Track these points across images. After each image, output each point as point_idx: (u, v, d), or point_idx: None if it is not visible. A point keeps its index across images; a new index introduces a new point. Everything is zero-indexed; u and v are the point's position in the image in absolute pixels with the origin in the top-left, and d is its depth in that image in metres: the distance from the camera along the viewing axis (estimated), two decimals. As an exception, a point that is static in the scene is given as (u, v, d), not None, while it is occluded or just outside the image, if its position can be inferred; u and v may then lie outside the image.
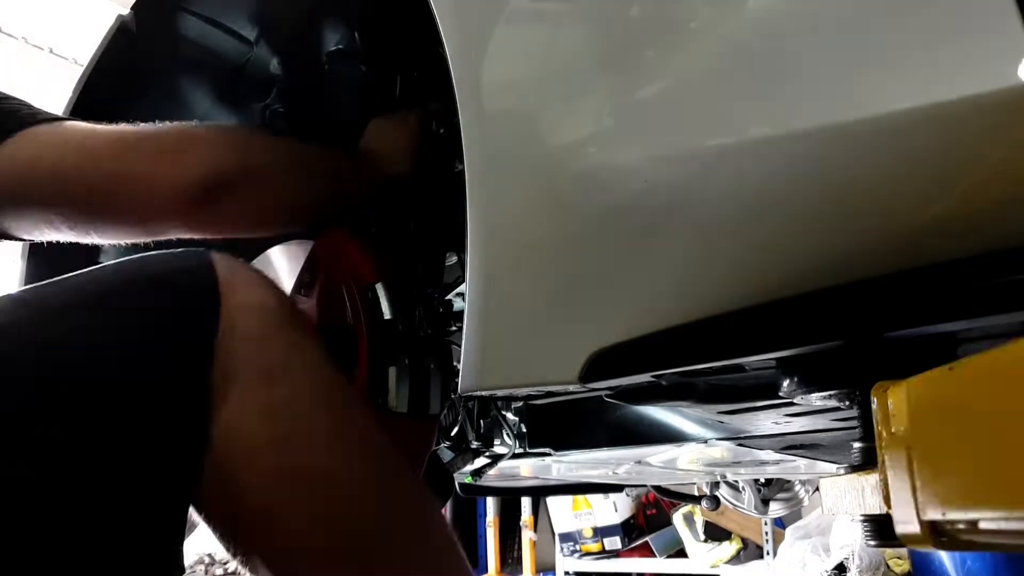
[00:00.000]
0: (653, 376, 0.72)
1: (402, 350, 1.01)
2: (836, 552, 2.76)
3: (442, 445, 1.29)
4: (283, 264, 1.22)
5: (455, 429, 1.29)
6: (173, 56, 1.13)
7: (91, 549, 0.59)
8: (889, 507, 0.53)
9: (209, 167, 0.82)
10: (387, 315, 1.01)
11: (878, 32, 0.53)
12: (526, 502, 3.95)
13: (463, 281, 1.18)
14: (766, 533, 3.26)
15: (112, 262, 0.72)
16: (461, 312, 1.20)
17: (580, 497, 3.71)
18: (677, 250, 0.64)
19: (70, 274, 0.69)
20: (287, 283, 1.13)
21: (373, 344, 1.00)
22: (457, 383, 1.05)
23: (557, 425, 1.33)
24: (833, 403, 0.68)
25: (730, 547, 3.39)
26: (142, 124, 0.84)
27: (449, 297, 1.20)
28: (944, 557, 2.49)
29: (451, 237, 1.14)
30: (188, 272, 0.71)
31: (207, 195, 0.82)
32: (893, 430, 0.53)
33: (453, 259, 1.18)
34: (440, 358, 1.05)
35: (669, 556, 3.61)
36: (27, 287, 0.70)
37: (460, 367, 0.76)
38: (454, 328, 1.16)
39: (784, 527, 3.08)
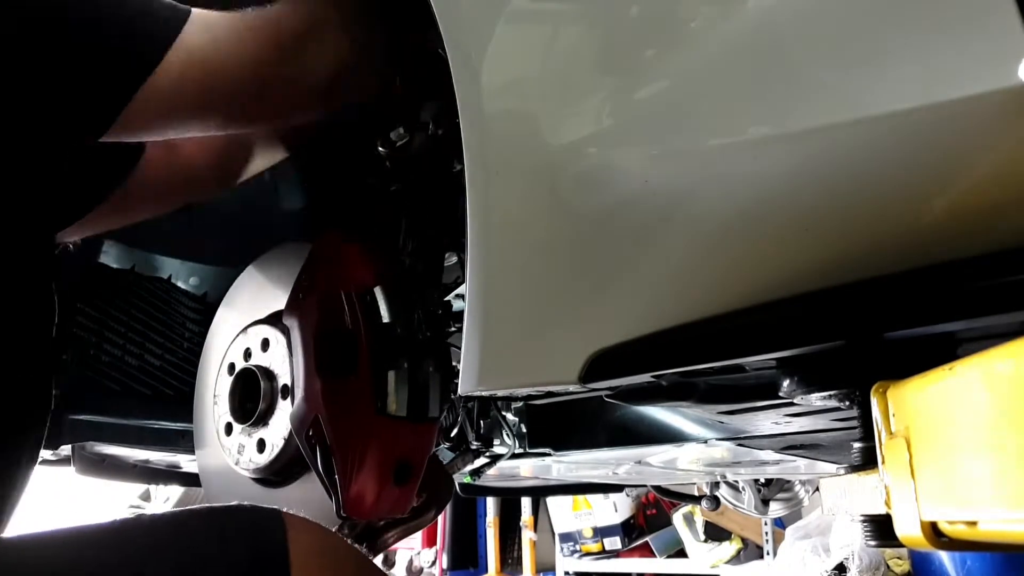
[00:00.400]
0: (653, 376, 0.72)
1: (401, 353, 1.01)
2: (836, 552, 2.76)
3: (442, 446, 1.29)
4: (278, 271, 1.22)
5: (455, 430, 1.29)
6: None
7: None
8: (889, 507, 0.53)
9: (334, 63, 0.91)
10: (386, 318, 1.01)
11: (878, 32, 0.53)
12: (526, 502, 3.95)
13: (463, 281, 1.18)
14: (766, 533, 3.26)
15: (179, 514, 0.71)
16: (461, 313, 1.20)
17: (580, 497, 3.72)
18: (677, 250, 0.64)
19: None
20: (284, 289, 1.13)
21: (372, 348, 1.00)
22: (457, 385, 1.05)
23: (557, 425, 1.33)
24: (833, 403, 0.68)
25: (730, 547, 3.39)
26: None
27: (448, 298, 1.20)
28: (944, 557, 2.49)
29: (451, 237, 1.14)
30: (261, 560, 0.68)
31: (337, 87, 0.93)
32: (893, 430, 0.53)
33: (453, 259, 1.18)
34: (439, 360, 1.05)
35: (669, 556, 3.62)
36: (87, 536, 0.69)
37: (460, 368, 0.76)
38: (454, 329, 1.16)
39: (784, 527, 3.08)
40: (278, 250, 1.25)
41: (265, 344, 1.12)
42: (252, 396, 1.11)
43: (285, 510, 0.72)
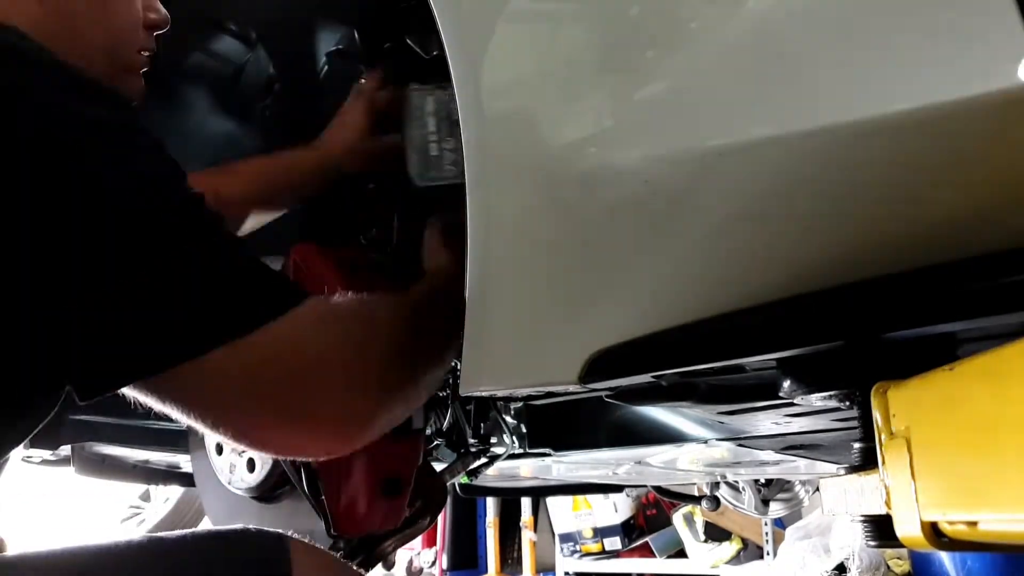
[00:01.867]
0: (653, 376, 0.72)
1: None
2: (836, 552, 2.76)
3: (440, 443, 1.29)
4: None
5: (447, 425, 1.28)
6: (173, 57, 1.13)
7: None
8: (889, 507, 0.53)
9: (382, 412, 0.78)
10: None
11: (878, 33, 0.53)
12: (526, 502, 3.94)
13: None
14: (766, 533, 3.25)
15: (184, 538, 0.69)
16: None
17: (580, 497, 3.71)
18: (677, 250, 0.64)
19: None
20: None
21: None
22: (440, 394, 1.05)
23: (557, 425, 1.33)
24: (833, 403, 0.68)
25: (730, 547, 3.39)
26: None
27: None
28: (944, 557, 2.49)
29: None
30: None
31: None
32: (893, 430, 0.53)
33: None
34: None
35: (669, 556, 3.61)
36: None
37: (460, 369, 0.76)
38: None
39: (784, 527, 3.08)
40: None
41: None
42: None
43: (290, 534, 0.72)
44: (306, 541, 0.72)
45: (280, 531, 0.71)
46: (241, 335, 0.65)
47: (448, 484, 1.24)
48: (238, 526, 0.71)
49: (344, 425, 0.73)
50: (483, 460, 1.31)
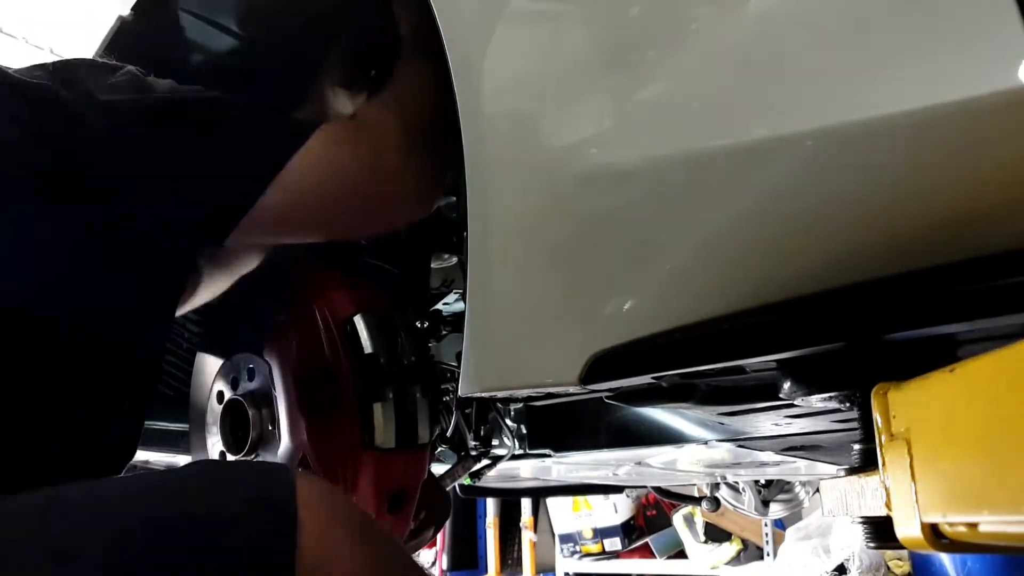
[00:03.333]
0: (653, 378, 0.72)
1: (386, 384, 0.99)
2: (836, 553, 2.76)
3: (443, 448, 1.29)
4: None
5: (450, 430, 1.28)
6: (173, 56, 1.13)
7: None
8: (889, 509, 0.53)
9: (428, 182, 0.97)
10: (368, 349, 0.99)
11: (878, 34, 0.53)
12: (526, 503, 3.94)
13: (450, 290, 1.17)
14: (766, 534, 3.25)
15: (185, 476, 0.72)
16: (451, 316, 1.20)
17: (580, 498, 3.71)
18: (677, 251, 0.64)
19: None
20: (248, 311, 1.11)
21: (356, 382, 0.97)
22: (443, 404, 1.04)
23: (557, 426, 1.33)
24: (833, 405, 0.68)
25: (730, 548, 3.39)
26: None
27: (438, 306, 1.19)
28: (944, 559, 2.48)
29: (437, 238, 1.13)
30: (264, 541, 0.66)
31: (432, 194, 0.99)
32: (893, 432, 0.53)
33: (453, 260, 1.18)
34: (426, 384, 1.03)
35: (669, 557, 3.61)
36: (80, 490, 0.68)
37: (460, 370, 0.76)
38: (444, 333, 1.15)
39: (784, 528, 3.08)
40: (243, 277, 1.17)
41: (251, 373, 1.10)
42: (243, 424, 1.09)
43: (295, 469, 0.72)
44: (309, 475, 0.72)
45: (282, 463, 0.72)
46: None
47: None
48: (240, 458, 0.72)
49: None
50: (485, 462, 1.31)
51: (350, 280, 1.05)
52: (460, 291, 1.17)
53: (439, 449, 1.26)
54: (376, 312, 1.02)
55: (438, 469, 1.24)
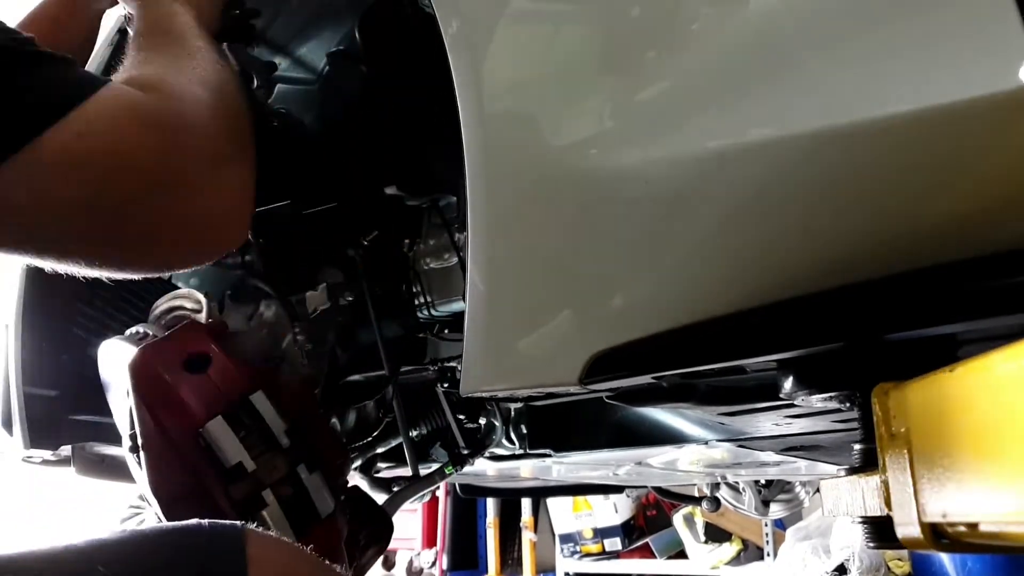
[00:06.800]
0: (654, 378, 0.72)
1: (260, 487, 0.90)
2: (836, 553, 2.76)
3: (436, 445, 1.28)
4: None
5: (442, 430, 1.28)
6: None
7: None
8: (890, 509, 0.53)
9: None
10: (229, 461, 0.88)
11: (878, 34, 0.53)
12: (526, 503, 3.94)
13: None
14: (766, 534, 3.25)
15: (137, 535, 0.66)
16: (455, 316, 1.20)
17: (580, 498, 3.71)
18: (678, 252, 0.64)
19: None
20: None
21: (228, 497, 0.88)
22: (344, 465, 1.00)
23: (558, 426, 1.33)
24: (834, 404, 0.68)
25: (730, 548, 3.39)
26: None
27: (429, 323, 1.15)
28: (945, 559, 2.48)
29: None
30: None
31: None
32: (894, 432, 0.53)
33: (453, 260, 1.18)
34: (312, 457, 0.94)
35: (669, 557, 3.61)
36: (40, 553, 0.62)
37: (461, 370, 0.76)
38: (446, 334, 1.14)
39: (784, 528, 3.08)
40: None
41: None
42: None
43: (247, 525, 0.68)
44: (262, 531, 0.69)
45: (236, 522, 0.70)
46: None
47: (446, 484, 1.23)
48: (192, 521, 0.69)
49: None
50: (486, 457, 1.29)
51: (192, 378, 0.91)
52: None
53: (423, 441, 1.25)
54: (230, 406, 0.90)
55: (380, 499, 1.19)
